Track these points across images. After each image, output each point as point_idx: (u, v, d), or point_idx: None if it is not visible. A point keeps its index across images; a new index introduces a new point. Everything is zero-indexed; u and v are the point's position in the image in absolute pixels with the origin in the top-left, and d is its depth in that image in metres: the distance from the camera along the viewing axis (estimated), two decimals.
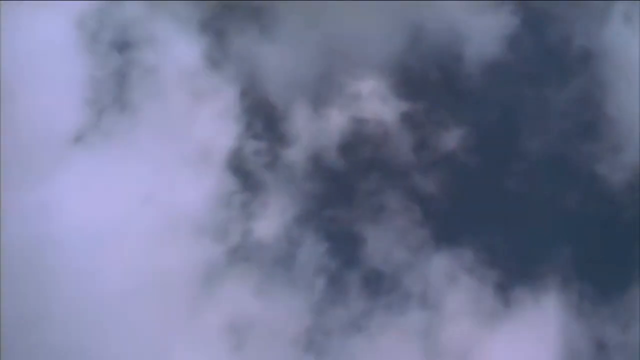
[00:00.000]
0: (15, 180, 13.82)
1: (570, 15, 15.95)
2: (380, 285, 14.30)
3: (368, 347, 13.80)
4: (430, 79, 15.70)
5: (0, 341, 12.84)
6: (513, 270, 14.32)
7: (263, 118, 15.31)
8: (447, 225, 14.71)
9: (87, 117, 14.64)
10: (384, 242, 14.54)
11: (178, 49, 15.22)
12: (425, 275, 14.31)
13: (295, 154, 15.03)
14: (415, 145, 15.28)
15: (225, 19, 15.66)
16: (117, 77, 15.08)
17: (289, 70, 15.46)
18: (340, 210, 14.84)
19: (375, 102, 15.40)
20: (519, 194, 14.94)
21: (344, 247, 14.53)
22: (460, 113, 15.44)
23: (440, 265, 14.36)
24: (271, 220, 14.54)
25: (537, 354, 13.74)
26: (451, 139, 15.29)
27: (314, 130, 15.20)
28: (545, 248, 14.45)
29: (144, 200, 14.12)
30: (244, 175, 14.85)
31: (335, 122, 15.25)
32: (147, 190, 14.21)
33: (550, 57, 15.95)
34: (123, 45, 15.31)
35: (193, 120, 14.91)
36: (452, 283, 14.24)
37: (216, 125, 14.93)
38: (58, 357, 12.92)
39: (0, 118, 14.04)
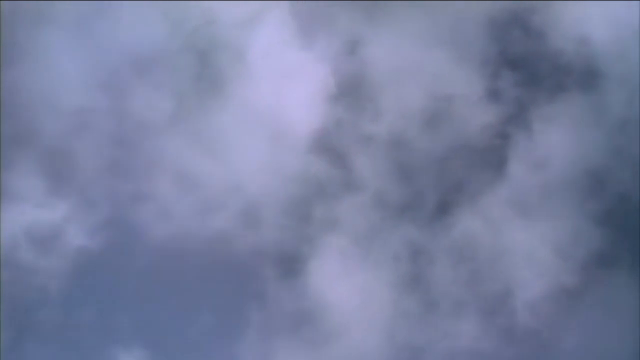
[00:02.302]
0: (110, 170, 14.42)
1: None
2: (461, 265, 14.28)
3: (445, 326, 13.93)
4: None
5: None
6: (592, 249, 14.17)
7: (352, 97, 15.24)
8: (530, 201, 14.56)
9: (171, 101, 14.80)
10: (468, 220, 14.51)
11: (267, 28, 15.24)
12: (505, 252, 14.30)
13: (382, 132, 14.99)
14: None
15: None
16: (203, 59, 15.09)
17: (386, 51, 15.39)
18: (425, 190, 14.85)
19: (462, 79, 15.34)
20: None
21: (429, 227, 14.55)
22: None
23: (520, 242, 14.31)
24: (355, 199, 14.61)
25: (611, 334, 13.72)
26: None
27: (403, 108, 15.10)
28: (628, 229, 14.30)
29: (230, 185, 14.37)
30: (331, 156, 14.84)
31: (422, 101, 15.14)
32: (232, 174, 14.46)
33: None
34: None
35: (281, 101, 15.00)
36: (530, 260, 14.25)
37: (304, 105, 15.00)
38: None
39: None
